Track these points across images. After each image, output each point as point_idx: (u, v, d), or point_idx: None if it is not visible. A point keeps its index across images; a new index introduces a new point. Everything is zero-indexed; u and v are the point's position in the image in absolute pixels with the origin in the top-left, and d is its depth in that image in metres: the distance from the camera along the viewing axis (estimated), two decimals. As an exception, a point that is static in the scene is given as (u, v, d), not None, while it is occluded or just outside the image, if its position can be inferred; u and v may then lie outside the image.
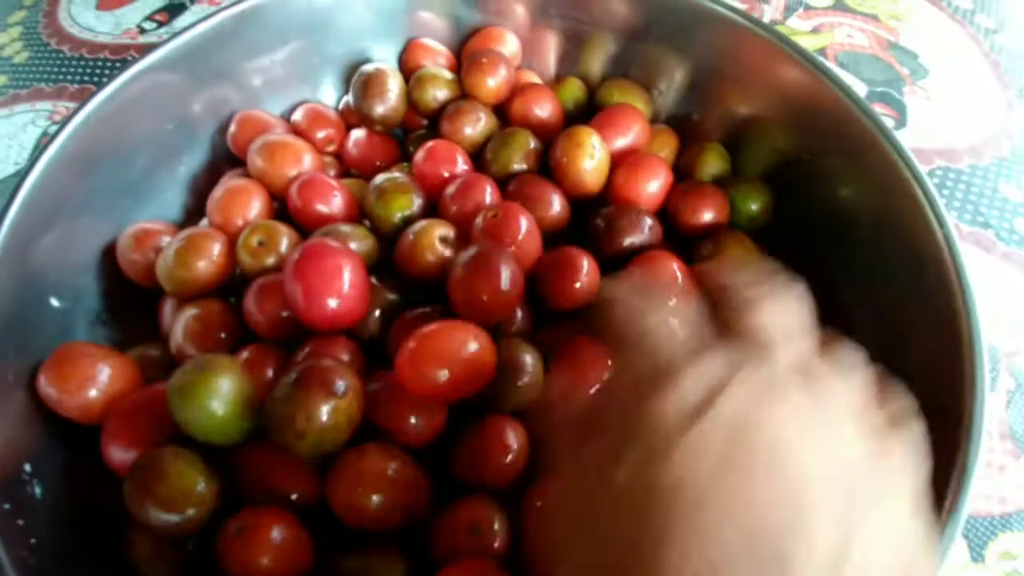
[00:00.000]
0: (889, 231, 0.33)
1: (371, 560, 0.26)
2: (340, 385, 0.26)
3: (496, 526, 0.27)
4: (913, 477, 0.18)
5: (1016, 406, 0.42)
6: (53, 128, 0.56)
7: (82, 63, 0.61)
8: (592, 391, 0.20)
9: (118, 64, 0.60)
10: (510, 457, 0.28)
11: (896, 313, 0.32)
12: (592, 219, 0.37)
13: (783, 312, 0.19)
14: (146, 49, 0.55)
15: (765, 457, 0.16)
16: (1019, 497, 0.38)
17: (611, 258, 0.35)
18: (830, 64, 0.59)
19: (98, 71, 0.60)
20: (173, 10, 0.66)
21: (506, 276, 0.30)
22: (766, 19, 0.63)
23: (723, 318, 0.19)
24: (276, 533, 0.25)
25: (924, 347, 0.29)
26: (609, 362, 0.20)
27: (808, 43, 0.61)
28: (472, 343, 0.27)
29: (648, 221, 0.35)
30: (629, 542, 0.16)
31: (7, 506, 0.25)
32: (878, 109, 0.55)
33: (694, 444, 0.16)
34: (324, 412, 0.25)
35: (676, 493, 0.15)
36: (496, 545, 0.26)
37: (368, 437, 0.27)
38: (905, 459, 0.18)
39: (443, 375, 0.27)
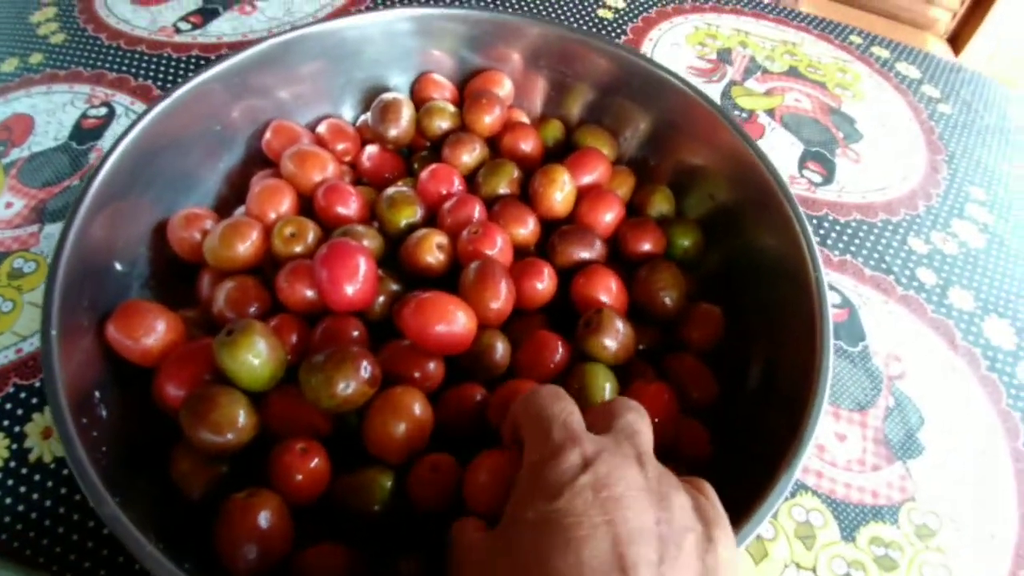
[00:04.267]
0: (781, 267, 0.42)
1: (369, 476, 0.34)
2: (367, 369, 0.34)
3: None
4: (722, 529, 0.26)
5: (893, 420, 0.50)
6: (92, 111, 0.62)
7: (119, 53, 0.66)
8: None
9: (155, 58, 0.65)
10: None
11: (781, 328, 0.41)
12: (552, 235, 0.45)
13: (637, 420, 0.29)
14: (203, 64, 0.62)
15: (612, 506, 0.24)
16: (889, 493, 0.46)
17: (564, 268, 0.44)
18: (775, 123, 0.69)
19: (135, 63, 0.65)
20: (207, 14, 0.71)
21: (504, 287, 0.39)
22: (727, 79, 0.72)
23: (600, 419, 0.29)
24: (320, 455, 0.34)
25: (796, 350, 0.38)
26: (525, 438, 0.29)
27: (760, 103, 0.70)
28: (459, 310, 0.36)
29: (597, 242, 0.44)
30: (536, 555, 0.23)
31: (85, 420, 0.32)
32: (810, 167, 0.66)
33: (573, 492, 0.24)
34: (351, 387, 0.34)
35: (560, 520, 0.24)
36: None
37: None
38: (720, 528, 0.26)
39: (435, 325, 0.36)
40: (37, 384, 0.45)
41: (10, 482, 0.41)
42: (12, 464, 0.42)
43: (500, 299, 0.38)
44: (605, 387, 0.38)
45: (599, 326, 0.39)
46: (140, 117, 0.41)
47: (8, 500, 0.40)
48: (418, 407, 0.35)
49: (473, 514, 0.30)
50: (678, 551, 0.24)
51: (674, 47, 0.74)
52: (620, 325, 0.40)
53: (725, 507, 0.28)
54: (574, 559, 0.23)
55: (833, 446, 0.48)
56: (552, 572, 0.22)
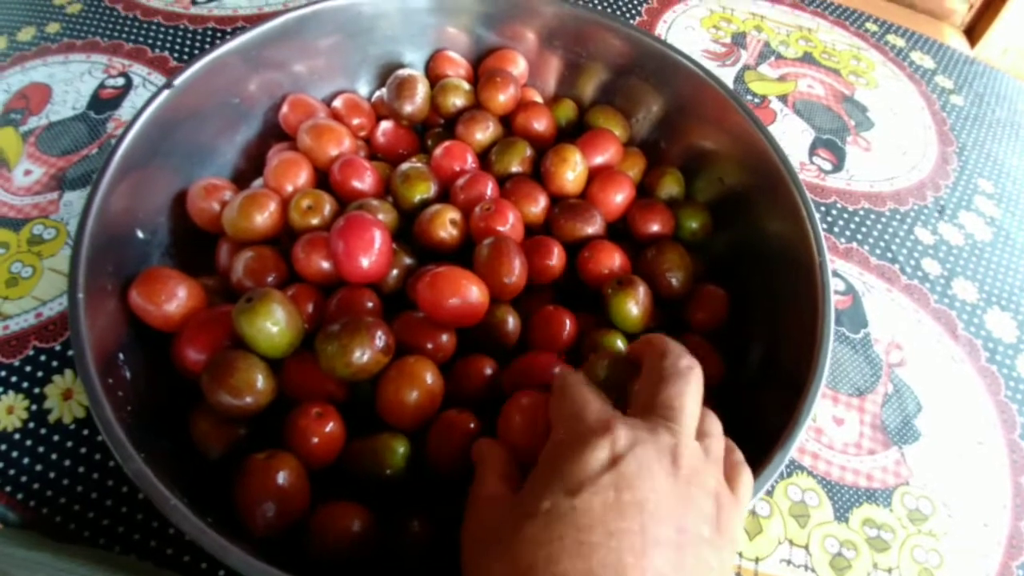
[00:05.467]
0: (787, 252, 0.42)
1: (383, 441, 0.35)
2: (381, 339, 0.35)
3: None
4: (731, 554, 0.25)
5: (891, 406, 0.51)
6: (110, 81, 0.63)
7: (136, 24, 0.66)
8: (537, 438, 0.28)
9: (171, 30, 0.66)
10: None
11: (785, 312, 0.42)
12: (554, 210, 0.46)
13: (686, 394, 0.27)
14: (219, 36, 0.63)
15: (632, 512, 0.23)
16: (884, 477, 0.47)
17: (567, 242, 0.45)
18: (787, 109, 0.69)
19: (152, 34, 0.65)
20: None
21: (518, 263, 0.40)
22: (741, 63, 0.72)
23: (646, 385, 0.28)
24: (335, 419, 0.35)
25: (797, 334, 0.39)
26: (553, 417, 0.28)
27: (773, 89, 0.71)
28: (472, 284, 0.37)
29: (598, 217, 0.45)
30: (546, 553, 0.22)
31: (110, 380, 0.34)
32: (821, 154, 0.66)
33: (594, 489, 0.23)
34: (366, 356, 0.35)
35: (576, 519, 0.23)
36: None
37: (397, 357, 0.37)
38: (733, 536, 0.25)
39: (449, 298, 0.37)
40: (57, 347, 0.46)
41: (29, 442, 0.42)
42: (31, 425, 0.43)
43: (514, 274, 0.39)
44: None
45: (630, 286, 0.41)
46: (161, 89, 0.42)
47: (26, 460, 0.41)
48: (430, 376, 0.36)
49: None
50: (694, 561, 0.23)
51: (688, 30, 0.74)
52: (644, 295, 0.41)
53: None
54: (582, 564, 0.22)
55: (831, 429, 0.49)
56: (559, 574, 0.22)
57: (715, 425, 0.29)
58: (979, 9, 1.47)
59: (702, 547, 0.24)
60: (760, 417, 0.38)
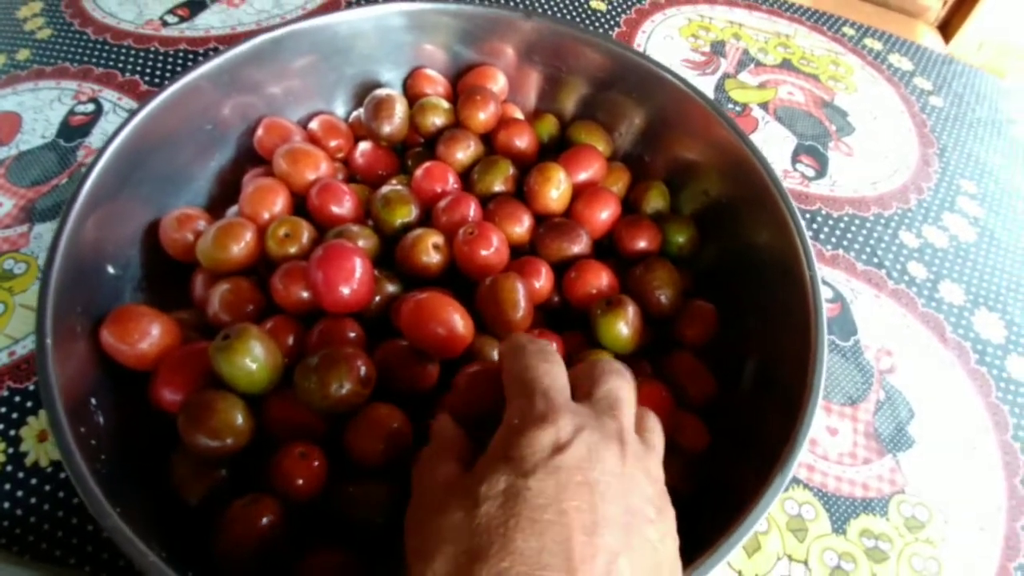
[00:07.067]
0: (775, 264, 0.42)
1: (367, 487, 0.34)
2: (362, 370, 0.34)
3: None
4: (672, 539, 0.26)
5: (883, 413, 0.51)
6: (80, 107, 0.61)
7: (106, 47, 0.65)
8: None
9: (142, 53, 0.64)
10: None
11: (776, 325, 0.41)
12: (539, 229, 0.45)
13: (623, 388, 0.29)
14: (191, 58, 0.61)
15: (584, 492, 0.24)
16: (880, 486, 0.47)
17: (552, 262, 0.44)
18: (769, 117, 0.69)
19: (123, 58, 0.64)
20: (194, 7, 0.70)
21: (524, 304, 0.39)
22: (721, 72, 0.72)
23: (584, 382, 0.29)
24: (319, 458, 0.34)
25: (790, 348, 0.39)
26: (507, 394, 0.28)
27: (754, 97, 0.70)
28: (456, 313, 0.36)
29: (584, 236, 0.45)
30: (502, 530, 0.23)
31: (82, 429, 0.32)
32: (803, 160, 0.66)
33: (547, 471, 0.24)
34: (344, 389, 0.34)
35: (530, 499, 0.24)
36: None
37: (380, 388, 0.36)
38: (671, 520, 0.27)
39: (432, 326, 0.36)
40: (31, 387, 0.45)
41: (7, 486, 0.41)
42: (8, 468, 0.41)
43: (520, 312, 0.39)
44: None
45: (619, 306, 0.40)
46: (130, 116, 0.40)
47: (6, 504, 0.40)
48: (396, 423, 0.35)
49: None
50: (640, 540, 0.24)
51: (667, 39, 0.74)
52: (634, 315, 0.40)
53: (722, 500, 0.29)
54: (536, 542, 0.23)
55: (825, 440, 0.49)
56: (513, 551, 0.23)
57: (655, 422, 0.31)
58: (953, 5, 1.48)
59: (647, 527, 0.25)
60: (757, 433, 0.38)
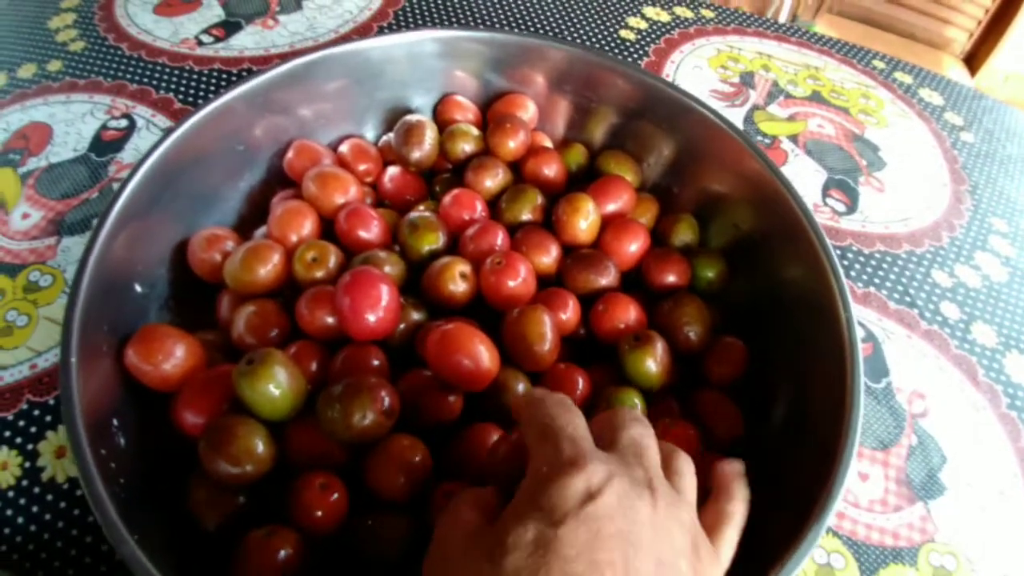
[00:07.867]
0: (808, 301, 0.41)
1: (385, 521, 0.33)
2: (386, 401, 0.33)
3: None
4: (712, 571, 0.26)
5: (915, 459, 0.49)
6: (113, 122, 0.62)
7: (140, 64, 0.66)
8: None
9: (176, 71, 0.65)
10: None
11: (808, 365, 0.40)
12: (566, 260, 0.45)
13: (647, 436, 0.28)
14: (225, 78, 0.62)
15: (616, 543, 0.23)
16: (910, 535, 0.45)
17: (579, 294, 0.43)
18: (799, 150, 0.68)
19: (157, 75, 0.64)
20: (230, 27, 0.71)
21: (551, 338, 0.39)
22: (750, 103, 0.71)
23: (607, 431, 0.29)
24: (339, 490, 0.34)
25: (823, 390, 0.38)
26: (531, 446, 0.28)
27: (783, 129, 0.70)
28: (482, 345, 0.36)
29: (612, 268, 0.44)
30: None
31: (103, 451, 0.32)
32: (834, 195, 0.65)
33: (578, 521, 0.24)
34: (367, 419, 0.33)
35: (560, 549, 0.23)
36: None
37: (402, 419, 0.35)
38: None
39: (458, 358, 0.35)
40: (51, 402, 0.45)
41: (22, 501, 0.40)
42: (24, 483, 0.41)
43: (548, 346, 0.39)
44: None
45: (648, 342, 0.39)
46: (166, 134, 0.41)
47: (20, 520, 0.40)
48: (418, 456, 0.34)
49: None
50: None
51: (696, 69, 0.73)
52: (663, 351, 0.40)
53: (754, 549, 0.28)
54: None
55: (855, 486, 0.47)
56: None
57: (686, 464, 0.30)
58: (979, 38, 1.47)
59: None
60: (787, 480, 0.36)
